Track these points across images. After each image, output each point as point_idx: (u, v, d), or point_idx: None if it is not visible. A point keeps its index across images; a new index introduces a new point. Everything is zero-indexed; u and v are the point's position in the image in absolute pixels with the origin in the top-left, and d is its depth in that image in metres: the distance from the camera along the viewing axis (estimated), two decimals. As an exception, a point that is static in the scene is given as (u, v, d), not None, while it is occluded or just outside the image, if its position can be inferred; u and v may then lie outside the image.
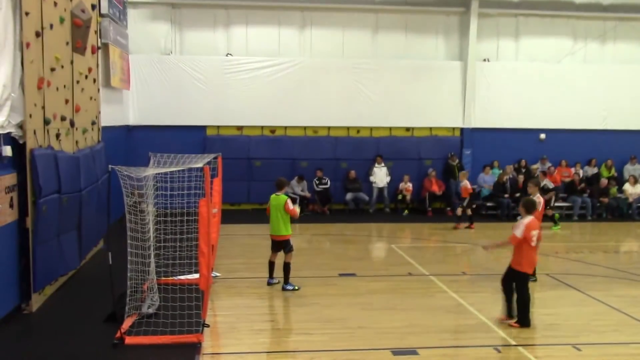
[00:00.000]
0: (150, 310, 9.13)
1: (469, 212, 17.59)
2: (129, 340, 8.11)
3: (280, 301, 10.47)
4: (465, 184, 17.73)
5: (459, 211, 17.65)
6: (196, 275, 9.44)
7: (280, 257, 11.08)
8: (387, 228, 17.75)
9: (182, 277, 10.67)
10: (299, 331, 8.93)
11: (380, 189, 20.15)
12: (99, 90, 13.75)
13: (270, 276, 11.21)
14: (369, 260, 14.16)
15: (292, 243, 11.08)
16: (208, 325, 8.76)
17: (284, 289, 10.88)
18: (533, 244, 9.13)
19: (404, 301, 10.48)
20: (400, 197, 20.18)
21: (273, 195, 11.02)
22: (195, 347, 8.01)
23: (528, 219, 9.20)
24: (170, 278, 10.63)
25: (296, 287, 10.90)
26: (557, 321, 9.58)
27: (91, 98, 12.96)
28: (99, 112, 13.81)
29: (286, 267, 10.95)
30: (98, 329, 8.65)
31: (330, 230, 17.25)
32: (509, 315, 9.37)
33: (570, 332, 9.01)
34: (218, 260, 12.45)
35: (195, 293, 8.98)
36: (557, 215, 18.14)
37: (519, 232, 9.07)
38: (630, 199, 19.86)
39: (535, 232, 9.12)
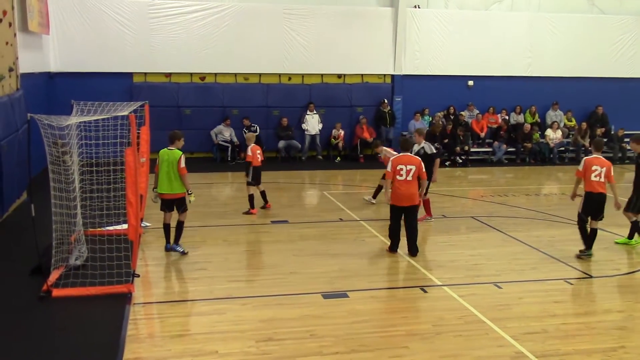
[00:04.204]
0: (78, 262, 8.96)
1: (260, 187, 13.04)
2: (56, 292, 7.97)
3: (212, 250, 10.43)
4: (251, 149, 12.55)
5: (251, 189, 12.86)
6: (125, 226, 9.29)
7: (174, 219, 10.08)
8: (319, 175, 17.88)
9: (110, 228, 10.48)
10: (231, 278, 8.97)
11: (313, 137, 20.21)
12: (15, 34, 13.05)
13: (168, 241, 10.05)
14: (301, 208, 14.28)
15: (187, 203, 9.97)
16: (138, 275, 8.69)
17: (173, 249, 9.97)
18: (400, 177, 9.80)
19: (335, 246, 10.67)
20: (333, 143, 20.34)
21: (164, 150, 9.78)
22: (126, 297, 7.95)
23: (395, 155, 10.35)
24: (99, 229, 10.42)
25: (185, 251, 9.93)
26: (480, 261, 10.02)
27: (7, 43, 12.31)
28: (17, 58, 13.15)
29: (180, 226, 9.95)
30: (24, 283, 8.44)
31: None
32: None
33: (491, 272, 9.44)
34: (148, 210, 12.26)
35: (124, 243, 8.86)
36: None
37: (388, 167, 9.93)
38: (552, 144, 20.68)
39: (402, 167, 9.82)
